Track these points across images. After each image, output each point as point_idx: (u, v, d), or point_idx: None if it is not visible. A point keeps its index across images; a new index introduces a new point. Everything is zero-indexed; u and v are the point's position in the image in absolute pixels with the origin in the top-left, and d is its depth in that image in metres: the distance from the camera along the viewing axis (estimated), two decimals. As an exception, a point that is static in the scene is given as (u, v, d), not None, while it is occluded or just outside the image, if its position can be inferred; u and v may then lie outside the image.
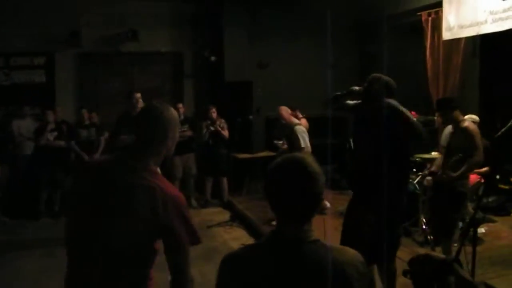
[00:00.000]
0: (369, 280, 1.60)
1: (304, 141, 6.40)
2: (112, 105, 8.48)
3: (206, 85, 9.08)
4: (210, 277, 5.57)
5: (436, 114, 7.24)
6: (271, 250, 1.58)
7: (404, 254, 5.12)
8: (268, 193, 1.60)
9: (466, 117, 5.94)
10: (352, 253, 1.61)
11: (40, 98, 8.10)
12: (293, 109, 7.76)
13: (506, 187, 6.27)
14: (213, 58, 8.65)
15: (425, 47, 7.25)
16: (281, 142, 7.39)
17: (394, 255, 3.83)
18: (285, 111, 6.68)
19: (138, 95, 6.16)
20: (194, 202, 7.91)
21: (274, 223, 5.53)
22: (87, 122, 7.56)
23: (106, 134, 7.54)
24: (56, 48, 8.21)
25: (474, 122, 5.86)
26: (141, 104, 6.18)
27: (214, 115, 7.70)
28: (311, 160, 1.59)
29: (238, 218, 7.06)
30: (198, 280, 5.20)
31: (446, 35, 6.80)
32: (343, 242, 3.59)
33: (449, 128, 4.73)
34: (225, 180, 7.81)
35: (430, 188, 5.13)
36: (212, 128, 7.55)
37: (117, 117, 6.59)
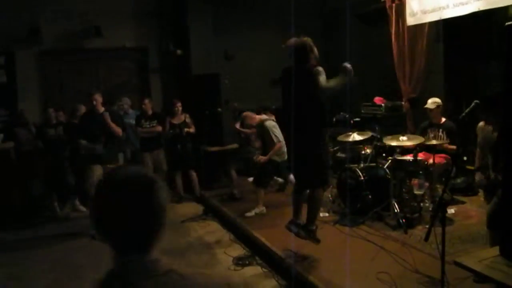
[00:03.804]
0: None
1: (276, 135, 6.37)
2: (78, 103, 8.30)
3: (173, 79, 8.98)
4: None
5: (404, 99, 7.36)
6: None
7: (377, 238, 5.21)
8: (98, 218, 1.28)
9: (429, 100, 6.04)
10: (215, 277, 1.41)
11: (1, 99, 7.86)
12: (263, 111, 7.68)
13: (473, 167, 6.39)
14: (179, 52, 8.56)
15: (390, 34, 7.31)
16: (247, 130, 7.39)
17: (313, 185, 4.66)
18: (248, 118, 6.71)
19: (97, 96, 6.18)
20: (166, 198, 7.84)
21: (248, 214, 5.51)
22: (54, 121, 7.39)
23: None
24: (16, 47, 7.96)
25: (438, 106, 5.97)
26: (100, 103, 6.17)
27: (180, 109, 7.62)
28: (148, 172, 1.34)
29: (212, 212, 7.02)
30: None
31: (410, 21, 6.88)
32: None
33: (488, 128, 4.40)
34: (194, 173, 7.75)
35: (485, 189, 4.69)
36: (183, 133, 7.51)
37: (79, 117, 6.51)
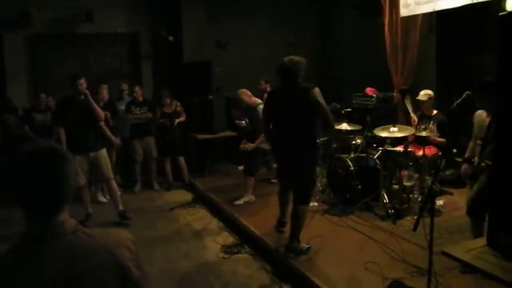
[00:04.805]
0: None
1: None
2: (67, 89, 8.20)
3: (165, 66, 8.89)
4: (173, 259, 5.52)
5: (395, 90, 7.35)
6: (27, 253, 1.39)
7: (366, 228, 5.23)
8: (14, 186, 1.43)
9: (421, 92, 6.03)
10: (119, 234, 1.56)
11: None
12: (266, 81, 7.70)
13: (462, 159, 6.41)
14: (171, 38, 8.47)
15: (383, 24, 7.29)
16: (243, 122, 7.30)
17: (300, 199, 4.64)
18: (244, 94, 6.49)
19: (82, 80, 5.73)
20: (156, 186, 7.81)
21: (237, 202, 5.50)
22: (43, 107, 7.29)
23: None
24: (4, 30, 7.83)
25: (430, 97, 5.96)
26: (85, 89, 5.70)
27: (168, 101, 7.57)
28: (61, 151, 1.47)
29: (201, 199, 7.00)
30: (161, 262, 5.17)
31: (404, 12, 6.86)
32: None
33: (483, 116, 4.30)
34: (182, 160, 7.72)
35: (469, 176, 4.59)
36: (174, 125, 7.48)
37: (57, 102, 6.20)
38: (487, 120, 4.11)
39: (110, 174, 6.14)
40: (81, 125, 5.77)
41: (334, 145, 7.09)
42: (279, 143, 4.79)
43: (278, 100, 4.68)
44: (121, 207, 6.21)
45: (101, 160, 5.96)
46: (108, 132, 6.40)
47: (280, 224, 5.18)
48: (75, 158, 5.71)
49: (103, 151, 6.03)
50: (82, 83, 5.72)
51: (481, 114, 4.34)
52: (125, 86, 7.97)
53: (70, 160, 1.47)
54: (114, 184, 6.23)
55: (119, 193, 6.40)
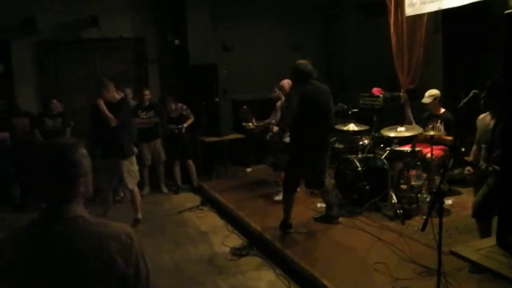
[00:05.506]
0: (137, 249, 1.63)
1: None
2: (75, 94, 8.29)
3: (171, 70, 8.92)
4: (182, 262, 5.52)
5: (402, 90, 7.32)
6: (30, 231, 1.62)
7: (374, 229, 5.22)
8: (31, 178, 1.68)
9: (426, 93, 6.01)
10: (117, 227, 1.67)
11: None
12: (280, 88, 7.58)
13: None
14: (176, 42, 8.50)
15: (389, 24, 7.27)
16: (250, 124, 7.30)
17: (322, 181, 5.40)
18: (287, 83, 6.32)
19: (101, 88, 5.67)
20: (164, 189, 7.82)
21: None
22: (55, 112, 7.33)
23: (73, 124, 7.41)
24: (11, 36, 7.88)
25: (435, 98, 5.93)
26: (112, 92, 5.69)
27: (173, 107, 7.58)
28: (70, 146, 1.65)
29: (209, 202, 7.02)
30: (169, 266, 5.18)
31: (409, 11, 6.83)
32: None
33: (486, 120, 4.24)
34: (191, 163, 7.73)
35: (475, 180, 4.54)
36: (176, 131, 7.50)
37: (91, 107, 5.88)
38: (492, 123, 4.06)
39: (130, 185, 5.90)
40: (104, 131, 5.67)
41: (341, 146, 7.08)
42: (309, 141, 5.10)
43: (314, 98, 5.06)
44: (138, 215, 6.09)
45: (120, 169, 5.75)
46: (121, 142, 5.85)
47: (288, 226, 5.23)
48: (105, 162, 5.68)
49: (127, 161, 5.78)
50: (102, 91, 5.67)
51: (484, 118, 4.30)
52: (128, 91, 7.95)
53: (78, 152, 1.64)
54: (135, 192, 6.06)
55: (139, 198, 6.27)
